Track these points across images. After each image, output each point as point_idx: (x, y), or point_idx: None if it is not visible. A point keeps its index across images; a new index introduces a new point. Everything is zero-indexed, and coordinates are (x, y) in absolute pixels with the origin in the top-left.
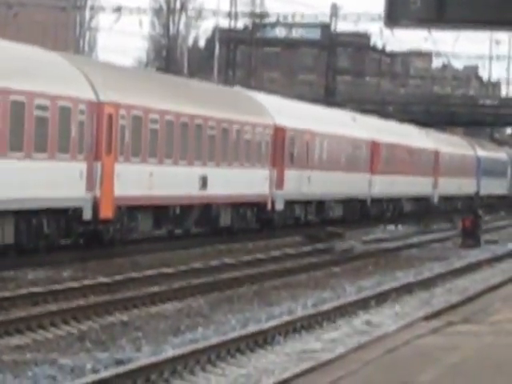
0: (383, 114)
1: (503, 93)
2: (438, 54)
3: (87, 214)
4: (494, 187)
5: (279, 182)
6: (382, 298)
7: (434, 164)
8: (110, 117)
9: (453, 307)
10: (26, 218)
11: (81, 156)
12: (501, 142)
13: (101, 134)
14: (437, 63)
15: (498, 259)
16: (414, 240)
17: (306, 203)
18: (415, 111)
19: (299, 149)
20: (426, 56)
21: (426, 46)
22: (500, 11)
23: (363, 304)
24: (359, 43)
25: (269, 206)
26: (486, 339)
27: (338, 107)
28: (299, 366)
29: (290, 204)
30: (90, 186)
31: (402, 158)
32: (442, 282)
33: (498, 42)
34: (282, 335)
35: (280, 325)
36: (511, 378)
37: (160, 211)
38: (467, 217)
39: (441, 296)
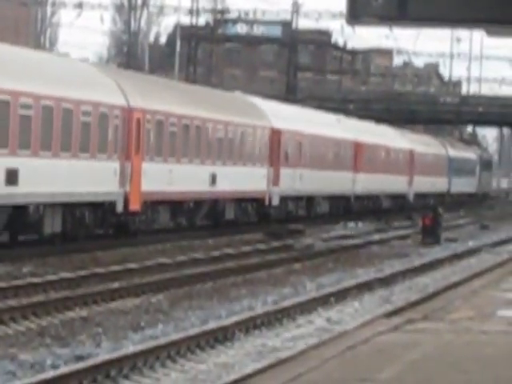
0: (344, 111)
1: (464, 91)
2: (399, 52)
3: (120, 207)
4: (463, 185)
5: (275, 180)
6: (342, 295)
7: (409, 163)
8: (138, 121)
9: (413, 305)
10: (71, 210)
11: (115, 156)
12: (469, 142)
13: (131, 137)
14: (398, 61)
15: (457, 257)
16: (375, 237)
17: (298, 199)
18: (376, 109)
19: (292, 149)
20: (387, 54)
21: (387, 44)
22: (462, 9)
23: (323, 301)
24: (320, 40)
25: (266, 202)
26: (446, 337)
27: (299, 104)
28: (259, 363)
29: (284, 199)
30: (122, 182)
31: (382, 157)
32: (402, 280)
33: (458, 40)
34: (243, 332)
35: (240, 321)
36: (470, 376)
37: (177, 205)
38: (427, 214)
39: (401, 293)
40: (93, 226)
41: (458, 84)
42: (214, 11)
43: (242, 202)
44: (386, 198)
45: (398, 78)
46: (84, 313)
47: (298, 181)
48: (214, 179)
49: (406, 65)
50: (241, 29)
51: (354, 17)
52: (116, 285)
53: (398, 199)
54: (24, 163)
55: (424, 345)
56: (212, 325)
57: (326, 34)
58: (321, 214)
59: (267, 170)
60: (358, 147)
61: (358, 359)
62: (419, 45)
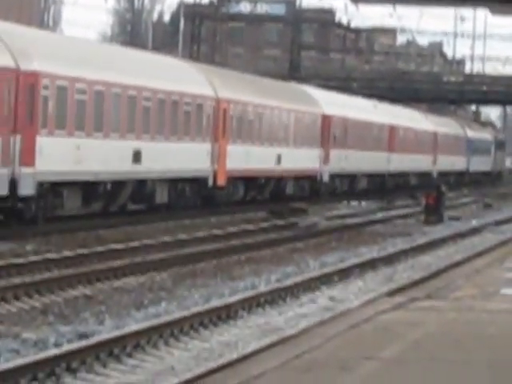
0: (347, 89)
1: (467, 70)
2: (403, 31)
3: (210, 182)
4: (480, 164)
5: (326, 159)
6: (345, 274)
7: (433, 144)
8: (225, 110)
9: (416, 283)
10: (175, 184)
11: (208, 139)
12: (484, 123)
13: (218, 123)
14: (401, 39)
15: (460, 236)
16: (378, 216)
17: (343, 176)
18: (379, 87)
19: (340, 132)
20: (391, 32)
21: (390, 23)
22: None
23: (326, 279)
24: (324, 19)
25: (318, 178)
26: (449, 315)
27: (303, 82)
28: (262, 341)
29: (332, 177)
30: (212, 161)
31: (411, 139)
32: (405, 258)
33: (462, 19)
34: (246, 310)
35: (243, 299)
36: (472, 354)
37: (251, 181)
38: (430, 193)
39: (404, 272)
40: (191, 197)
41: (461, 63)
42: None
43: (300, 179)
44: (414, 175)
45: (402, 57)
46: (87, 291)
47: (344, 160)
48: (279, 159)
49: (410, 43)
50: (244, 7)
51: None
52: (119, 263)
53: (425, 177)
54: (145, 145)
55: (427, 323)
56: (215, 303)
57: (330, 12)
58: (362, 189)
59: (319, 150)
60: (391, 130)
61: (361, 338)
62: (423, 23)
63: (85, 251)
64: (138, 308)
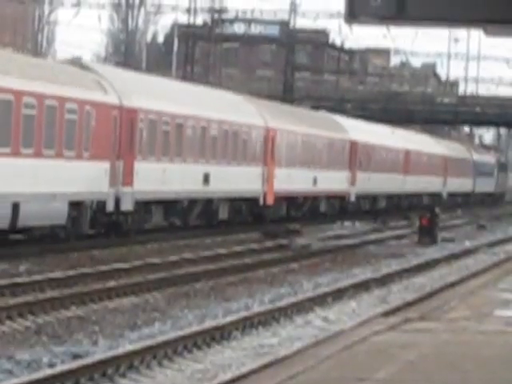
0: (341, 111)
1: (461, 91)
2: (397, 52)
3: (261, 201)
4: (485, 186)
5: (353, 181)
6: (339, 295)
7: (443, 167)
8: (273, 138)
9: (410, 304)
10: (233, 203)
11: (259, 164)
12: (488, 147)
13: (268, 149)
14: (395, 61)
15: (454, 257)
16: (371, 237)
17: (366, 197)
18: (373, 109)
19: (364, 157)
20: (385, 53)
21: (384, 44)
22: (460, 9)
23: (320, 300)
24: (318, 40)
25: (347, 199)
26: (443, 336)
27: (296, 104)
28: (256, 362)
29: (357, 197)
30: (263, 183)
31: (424, 162)
32: (399, 279)
33: (456, 40)
34: (239, 331)
35: (237, 320)
36: (466, 375)
37: (292, 200)
38: (424, 215)
39: (398, 293)
40: (244, 215)
41: (455, 84)
42: (211, 10)
43: (331, 198)
44: (426, 196)
45: (396, 78)
46: (81, 311)
47: (368, 182)
48: (315, 181)
49: (404, 65)
50: (238, 28)
51: (352, 16)
52: (112, 283)
53: (435, 197)
54: (213, 169)
55: (421, 344)
56: (209, 324)
57: (324, 33)
58: (382, 209)
59: (348, 173)
60: (407, 154)
61: (355, 359)
62: (417, 45)
63: (78, 272)
64: (132, 329)
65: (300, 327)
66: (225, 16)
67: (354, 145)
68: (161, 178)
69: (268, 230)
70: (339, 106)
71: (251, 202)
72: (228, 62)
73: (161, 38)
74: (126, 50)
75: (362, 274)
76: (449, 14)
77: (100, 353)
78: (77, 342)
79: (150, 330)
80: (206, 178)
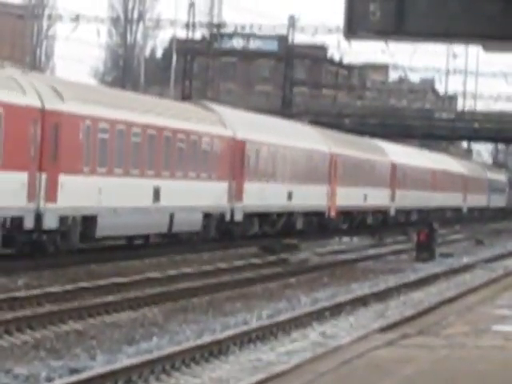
0: (339, 126)
1: (459, 106)
2: (395, 67)
3: (326, 214)
4: (498, 201)
5: (393, 197)
6: (337, 310)
7: (463, 184)
8: (335, 162)
9: (408, 320)
10: (306, 216)
11: (326, 182)
12: (500, 165)
13: (332, 170)
14: (393, 76)
15: (452, 272)
16: (369, 252)
17: (404, 211)
18: (371, 124)
19: (403, 176)
20: (383, 69)
21: (382, 59)
22: (459, 24)
23: (318, 315)
24: (316, 55)
25: (389, 213)
26: (441, 352)
27: (295, 119)
28: (254, 377)
29: (398, 211)
30: (328, 199)
31: (448, 179)
32: (397, 295)
33: (454, 56)
34: (237, 346)
35: (235, 335)
36: None
37: (347, 214)
38: (422, 230)
39: (396, 308)
40: (314, 226)
41: (453, 99)
42: (210, 25)
43: (374, 213)
44: (449, 210)
45: (394, 93)
46: (79, 326)
47: (405, 198)
48: (366, 198)
49: (402, 80)
50: (237, 43)
51: (351, 31)
52: (110, 298)
53: (457, 212)
54: (295, 188)
55: (419, 360)
56: (207, 338)
57: (322, 48)
58: (414, 221)
59: (389, 190)
60: (433, 173)
61: (353, 374)
62: (415, 60)
63: (76, 286)
64: (130, 343)
65: (298, 342)
66: (223, 31)
67: (393, 166)
68: (260, 194)
69: (266, 245)
70: (337, 120)
71: (318, 214)
72: (226, 77)
73: (159, 53)
74: (125, 65)
75: (360, 289)
76: (447, 29)
77: (98, 367)
78: (75, 357)
79: (148, 344)
80: (290, 195)
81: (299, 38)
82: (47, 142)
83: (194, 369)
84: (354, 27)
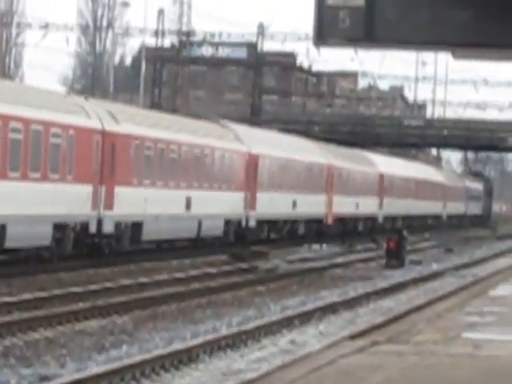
0: (309, 134)
1: (429, 114)
2: (364, 75)
3: (325, 221)
4: (474, 208)
5: (380, 205)
6: (306, 318)
7: (443, 193)
8: (332, 173)
9: (377, 327)
10: (306, 223)
11: (324, 192)
12: (477, 174)
13: (329, 181)
14: (363, 84)
15: (422, 280)
16: (339, 260)
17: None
18: (341, 131)
19: (388, 185)
20: (352, 76)
21: (352, 67)
22: (428, 32)
23: (287, 323)
24: (285, 63)
25: (378, 220)
26: (410, 359)
27: (265, 126)
28: None
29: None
30: (325, 207)
31: (429, 189)
32: (367, 302)
33: (424, 63)
34: (207, 353)
35: (204, 343)
36: None
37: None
38: (392, 237)
39: (365, 316)
40: (311, 231)
41: (422, 107)
42: (179, 33)
43: (367, 220)
44: (430, 217)
45: (363, 101)
46: (48, 333)
47: (391, 205)
48: (358, 206)
49: (371, 87)
50: (206, 51)
51: (320, 38)
52: (80, 305)
53: (437, 218)
54: (299, 197)
55: (388, 367)
56: (176, 346)
57: (291, 56)
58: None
59: (377, 199)
60: (417, 183)
61: (322, 381)
62: (384, 68)
63: (45, 294)
64: (100, 351)
65: (267, 350)
66: (192, 38)
67: (381, 176)
68: (270, 203)
69: (235, 253)
70: (307, 128)
71: (316, 221)
72: (196, 85)
73: (128, 61)
74: (94, 73)
75: (329, 296)
76: (417, 37)
77: (67, 375)
78: (44, 365)
79: (118, 352)
80: (294, 204)
81: (268, 46)
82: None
83: (164, 377)
84: (324, 35)
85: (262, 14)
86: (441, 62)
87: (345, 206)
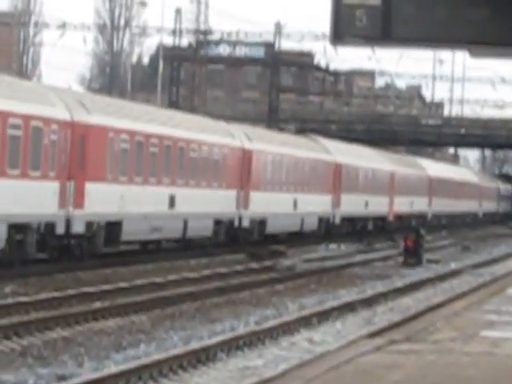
0: (326, 132)
1: (446, 112)
2: (382, 74)
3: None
4: (506, 206)
5: (430, 204)
6: (324, 316)
7: (479, 192)
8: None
9: (395, 326)
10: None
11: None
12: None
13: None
14: (380, 82)
15: (439, 278)
16: (357, 259)
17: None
18: (358, 130)
19: (438, 186)
20: (369, 75)
21: (369, 65)
22: (445, 30)
23: (305, 322)
24: (303, 62)
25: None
26: (428, 357)
27: (282, 125)
28: (242, 383)
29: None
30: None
31: (466, 189)
32: (385, 301)
33: (441, 62)
34: (225, 352)
35: (222, 342)
36: None
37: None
38: (409, 236)
39: (383, 314)
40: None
41: (440, 106)
42: (196, 32)
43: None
44: (470, 215)
45: (380, 100)
46: (66, 333)
47: (439, 205)
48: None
49: (388, 86)
50: (223, 50)
51: (337, 37)
52: (98, 305)
53: (470, 216)
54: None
55: (407, 366)
56: (194, 345)
57: (309, 55)
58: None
59: (427, 199)
60: (458, 185)
61: (340, 380)
62: (401, 66)
63: (63, 294)
64: (117, 350)
65: (285, 349)
66: (210, 38)
67: (430, 179)
68: (358, 203)
69: (253, 252)
70: (324, 127)
71: (382, 219)
72: (213, 84)
73: (146, 60)
74: (111, 72)
75: (347, 295)
76: (434, 35)
77: (85, 374)
78: (62, 364)
79: (136, 351)
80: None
81: (286, 45)
82: (336, 179)
83: (182, 375)
84: (341, 34)
85: (279, 13)
86: (458, 60)
87: (403, 205)
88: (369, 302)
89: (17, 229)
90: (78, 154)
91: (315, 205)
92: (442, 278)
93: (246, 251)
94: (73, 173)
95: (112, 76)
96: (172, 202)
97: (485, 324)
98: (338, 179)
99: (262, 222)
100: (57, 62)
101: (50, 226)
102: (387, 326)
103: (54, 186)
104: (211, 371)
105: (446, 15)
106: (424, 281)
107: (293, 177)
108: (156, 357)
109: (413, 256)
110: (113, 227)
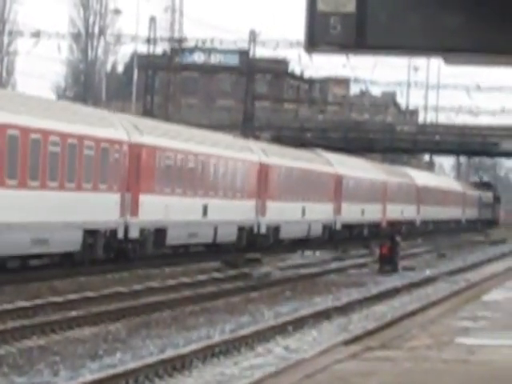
0: (301, 140)
1: (421, 119)
2: (356, 81)
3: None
4: (486, 214)
5: (418, 211)
6: (299, 324)
7: (463, 200)
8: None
9: (371, 333)
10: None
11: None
12: (488, 184)
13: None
14: (355, 90)
15: (415, 285)
16: (332, 266)
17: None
18: (333, 138)
19: (424, 194)
20: (344, 82)
21: (343, 73)
22: (420, 37)
23: (281, 329)
24: (277, 69)
25: (415, 223)
26: (404, 365)
27: (257, 133)
28: None
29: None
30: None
31: (451, 197)
32: (360, 308)
33: (416, 69)
34: (200, 360)
35: (198, 350)
36: None
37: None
38: (385, 243)
39: (358, 322)
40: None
41: (415, 113)
42: (171, 40)
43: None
44: (452, 221)
45: (355, 107)
46: (42, 341)
47: (427, 211)
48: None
49: (363, 93)
50: (198, 57)
51: (312, 45)
52: (73, 313)
53: (453, 223)
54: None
55: (382, 373)
56: (170, 353)
57: (283, 62)
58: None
59: (415, 206)
60: (444, 193)
61: None
62: (376, 74)
63: (38, 301)
64: (93, 359)
65: (261, 356)
66: (184, 45)
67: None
68: (356, 211)
69: (228, 259)
70: (299, 135)
71: (375, 226)
72: (188, 92)
73: (120, 68)
74: (86, 80)
75: (322, 302)
76: (408, 42)
77: (61, 383)
78: (38, 373)
79: (111, 359)
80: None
81: (260, 53)
82: (337, 190)
83: (158, 383)
84: (315, 41)
85: (254, 20)
86: (433, 67)
87: (394, 212)
88: (344, 310)
89: (89, 234)
90: (133, 169)
91: (320, 212)
92: (417, 285)
93: (221, 259)
94: (130, 186)
95: (86, 84)
96: (205, 211)
97: (460, 331)
98: (339, 189)
99: (276, 229)
100: (31, 71)
101: (114, 232)
102: (363, 333)
103: (116, 197)
104: (187, 379)
105: (420, 23)
106: (399, 288)
107: (301, 187)
108: (132, 365)
109: (388, 263)
110: (160, 233)
